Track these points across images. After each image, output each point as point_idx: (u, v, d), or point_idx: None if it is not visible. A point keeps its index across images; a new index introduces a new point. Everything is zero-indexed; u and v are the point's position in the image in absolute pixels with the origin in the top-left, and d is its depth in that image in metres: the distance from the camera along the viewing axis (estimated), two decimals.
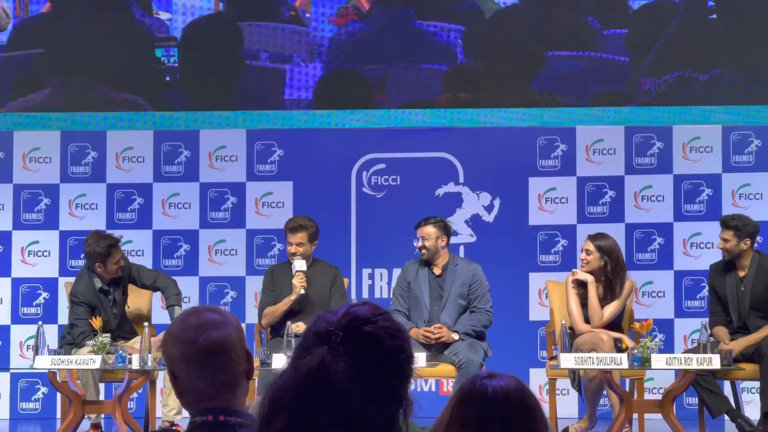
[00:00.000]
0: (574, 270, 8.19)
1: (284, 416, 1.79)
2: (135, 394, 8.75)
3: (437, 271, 8.27)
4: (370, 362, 1.81)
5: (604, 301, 8.05)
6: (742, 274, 8.01)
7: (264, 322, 8.28)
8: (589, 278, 8.02)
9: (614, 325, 8.08)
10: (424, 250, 8.24)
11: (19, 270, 9.58)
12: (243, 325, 2.80)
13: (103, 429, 8.16)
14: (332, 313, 1.89)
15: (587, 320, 8.04)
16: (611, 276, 8.04)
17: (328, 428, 1.77)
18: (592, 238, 8.13)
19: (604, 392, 8.19)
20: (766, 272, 7.94)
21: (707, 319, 7.92)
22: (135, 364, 7.43)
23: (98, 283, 8.14)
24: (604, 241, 8.07)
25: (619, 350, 7.63)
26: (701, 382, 7.68)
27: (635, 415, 7.74)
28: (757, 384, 8.30)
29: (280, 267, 8.44)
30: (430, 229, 8.23)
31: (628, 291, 8.14)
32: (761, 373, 7.62)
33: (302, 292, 8.09)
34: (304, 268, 8.17)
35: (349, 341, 1.82)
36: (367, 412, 1.77)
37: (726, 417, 7.92)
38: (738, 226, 7.92)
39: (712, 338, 7.52)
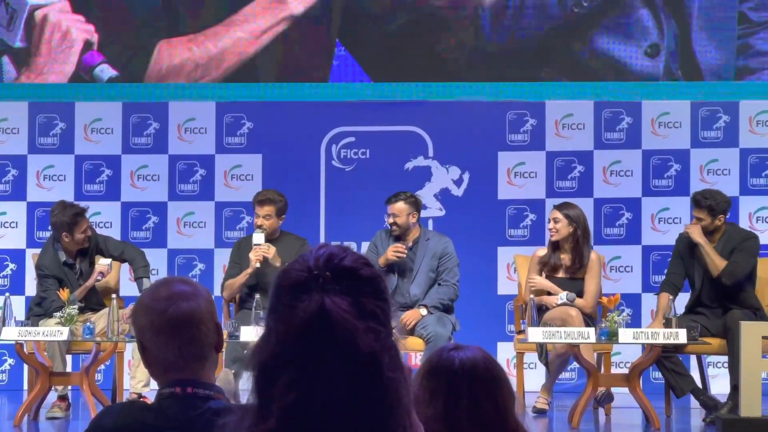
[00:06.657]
0: (533, 275, 8.22)
1: (290, 371, 1.77)
2: (102, 366, 8.74)
3: (407, 244, 8.26)
4: (362, 294, 1.80)
5: (573, 269, 8.08)
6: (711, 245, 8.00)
7: (225, 294, 8.27)
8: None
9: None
10: (395, 227, 8.21)
11: None
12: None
13: (70, 401, 8.14)
14: (300, 261, 1.84)
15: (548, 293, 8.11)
16: (581, 243, 8.08)
17: (336, 371, 1.76)
18: (559, 207, 8.16)
19: (568, 366, 8.27)
20: (733, 242, 7.93)
21: (671, 296, 7.87)
22: (102, 336, 7.42)
23: (63, 257, 8.11)
24: (572, 210, 8.11)
25: (587, 324, 7.67)
26: (666, 363, 7.68)
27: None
28: (723, 359, 8.35)
29: (246, 240, 8.39)
30: (401, 206, 8.20)
31: (599, 265, 8.16)
32: (728, 347, 7.64)
33: (258, 265, 8.03)
34: (262, 241, 8.11)
35: (337, 278, 1.79)
36: (371, 345, 1.77)
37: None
38: (712, 205, 7.86)
39: (674, 313, 7.54)
